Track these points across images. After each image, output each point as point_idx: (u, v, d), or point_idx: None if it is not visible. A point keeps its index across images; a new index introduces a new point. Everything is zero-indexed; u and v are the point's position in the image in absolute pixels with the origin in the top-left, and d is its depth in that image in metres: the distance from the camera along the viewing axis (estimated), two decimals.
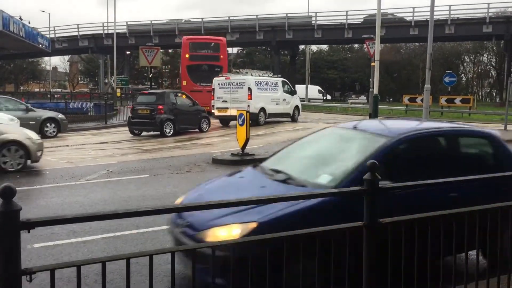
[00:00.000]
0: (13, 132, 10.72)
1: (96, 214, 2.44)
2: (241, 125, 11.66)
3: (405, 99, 35.61)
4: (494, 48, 62.32)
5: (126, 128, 22.50)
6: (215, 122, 22.37)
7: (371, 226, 2.95)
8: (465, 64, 70.33)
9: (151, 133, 18.93)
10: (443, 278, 3.19)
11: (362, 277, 2.97)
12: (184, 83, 27.37)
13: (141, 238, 5.70)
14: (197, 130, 20.03)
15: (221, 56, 28.21)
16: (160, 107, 18.19)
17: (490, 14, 41.91)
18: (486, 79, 72.31)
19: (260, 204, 3.69)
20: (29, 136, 10.64)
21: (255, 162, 11.37)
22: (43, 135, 16.65)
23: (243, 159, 11.58)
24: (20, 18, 25.67)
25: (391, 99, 65.20)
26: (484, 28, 41.71)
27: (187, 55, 27.75)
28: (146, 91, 22.04)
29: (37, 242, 5.33)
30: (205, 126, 20.26)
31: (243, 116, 11.60)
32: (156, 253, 2.49)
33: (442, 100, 32.78)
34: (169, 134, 18.22)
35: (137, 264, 4.08)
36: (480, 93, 70.53)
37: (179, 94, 20.49)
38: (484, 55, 68.13)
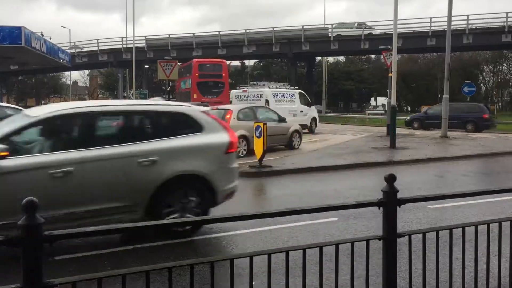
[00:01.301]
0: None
1: (117, 227, 2.48)
2: (259, 137, 11.70)
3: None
4: None
5: None
6: None
7: (389, 239, 2.93)
8: (484, 73, 69.49)
9: None
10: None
11: None
12: (195, 96, 31.95)
13: (159, 250, 5.73)
14: None
15: (223, 74, 33.95)
16: None
17: (509, 23, 41.40)
18: (506, 89, 71.28)
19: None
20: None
21: (273, 174, 11.44)
22: None
23: (260, 171, 11.61)
24: (42, 34, 26.20)
25: (409, 109, 64.65)
26: (503, 37, 41.17)
27: (196, 74, 33.04)
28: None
29: (58, 255, 5.40)
30: None
31: (260, 128, 11.64)
32: (176, 266, 2.52)
33: None
34: None
35: (156, 275, 4.10)
36: (500, 103, 69.49)
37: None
38: (504, 64, 67.23)
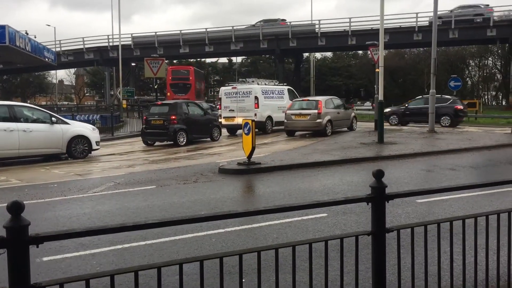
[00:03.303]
0: None
1: (103, 228, 2.46)
2: (247, 134, 11.68)
3: None
4: (499, 51, 62.13)
5: (133, 140, 22.64)
6: (223, 131, 22.50)
7: (378, 234, 2.94)
8: (470, 68, 70.11)
9: (165, 143, 19.10)
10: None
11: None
12: (168, 94, 41.71)
13: (149, 249, 5.70)
14: (209, 139, 20.19)
15: (191, 78, 43.16)
16: (173, 117, 18.44)
17: (494, 17, 41.82)
18: (492, 83, 72.02)
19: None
20: None
21: (262, 171, 11.43)
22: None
23: (249, 168, 11.60)
24: (26, 33, 25.91)
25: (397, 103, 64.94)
26: (488, 32, 41.64)
27: (170, 77, 42.88)
28: (159, 102, 22.33)
29: (45, 256, 5.35)
30: (216, 135, 20.47)
31: (248, 125, 11.62)
32: (164, 265, 2.50)
33: None
34: (182, 144, 18.47)
35: (145, 276, 4.08)
36: (486, 97, 70.23)
37: (191, 104, 20.70)
38: (489, 58, 67.89)
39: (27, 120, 14.29)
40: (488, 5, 42.68)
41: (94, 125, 27.54)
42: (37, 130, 14.19)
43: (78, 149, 15.13)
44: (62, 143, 14.78)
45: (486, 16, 41.19)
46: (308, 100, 21.69)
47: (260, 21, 50.70)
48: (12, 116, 13.84)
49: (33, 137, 14.05)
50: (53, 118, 14.77)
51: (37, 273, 4.72)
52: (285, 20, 50.47)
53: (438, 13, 44.58)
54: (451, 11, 43.09)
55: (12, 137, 13.66)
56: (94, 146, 15.58)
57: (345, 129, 22.33)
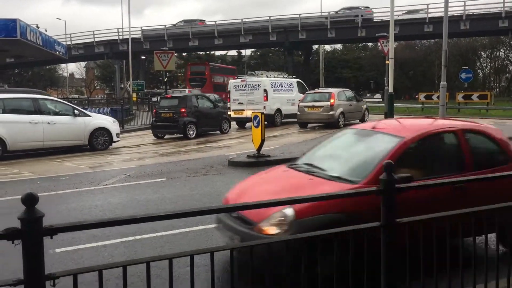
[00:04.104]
0: None
1: (115, 220, 2.49)
2: (256, 127, 11.69)
3: (421, 97, 35.22)
4: (511, 42, 61.34)
5: (143, 132, 22.74)
6: (232, 124, 22.53)
7: (388, 226, 2.94)
8: (481, 59, 69.31)
9: (174, 135, 19.20)
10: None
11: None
12: (187, 87, 45.35)
13: (160, 241, 5.76)
14: (218, 131, 20.25)
15: (206, 73, 47.56)
16: (183, 110, 18.51)
17: (506, 8, 41.23)
18: (504, 74, 71.18)
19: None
20: None
21: (271, 163, 11.42)
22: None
23: (258, 161, 11.61)
24: (37, 27, 26.00)
25: (407, 96, 64.58)
26: (500, 23, 41.02)
27: (188, 73, 50.14)
28: (169, 95, 22.35)
29: (59, 247, 5.42)
30: (225, 127, 20.53)
31: (258, 118, 11.62)
32: (175, 257, 2.53)
33: (459, 96, 32.36)
34: (192, 137, 18.55)
35: (156, 267, 4.12)
36: (497, 89, 69.48)
37: (200, 97, 20.73)
38: (501, 50, 67.05)
39: (49, 113, 14.57)
40: (368, 7, 47.11)
41: None
42: (60, 123, 14.52)
43: (99, 141, 15.47)
44: (85, 135, 15.12)
45: (366, 17, 45.42)
46: (321, 92, 21.99)
47: (180, 21, 53.42)
48: (37, 109, 14.18)
49: (57, 129, 14.38)
50: (75, 111, 15.12)
51: (50, 264, 4.79)
52: (203, 20, 53.24)
53: (324, 13, 47.04)
54: (337, 12, 47.40)
55: (37, 129, 13.98)
56: (115, 138, 15.94)
57: (357, 121, 22.16)
